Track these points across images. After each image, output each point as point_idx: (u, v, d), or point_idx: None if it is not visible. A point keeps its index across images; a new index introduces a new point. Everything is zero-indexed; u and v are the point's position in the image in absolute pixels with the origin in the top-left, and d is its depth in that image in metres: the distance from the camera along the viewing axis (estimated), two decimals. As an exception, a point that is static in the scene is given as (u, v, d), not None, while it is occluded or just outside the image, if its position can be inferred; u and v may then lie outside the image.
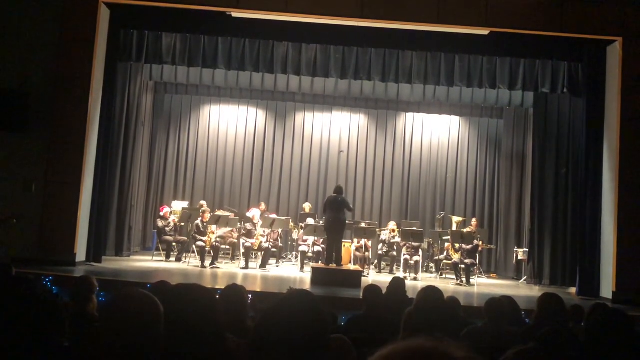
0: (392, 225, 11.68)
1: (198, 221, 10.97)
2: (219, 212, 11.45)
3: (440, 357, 0.85)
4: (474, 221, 12.29)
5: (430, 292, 3.47)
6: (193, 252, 11.05)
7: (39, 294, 2.18)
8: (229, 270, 10.43)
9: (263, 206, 12.26)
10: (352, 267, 10.38)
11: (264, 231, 11.03)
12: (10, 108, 8.83)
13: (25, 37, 9.20)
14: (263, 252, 10.79)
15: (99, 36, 9.40)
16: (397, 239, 11.37)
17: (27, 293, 2.14)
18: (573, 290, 10.01)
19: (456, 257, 10.74)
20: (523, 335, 3.55)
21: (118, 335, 1.41)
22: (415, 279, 10.67)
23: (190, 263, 10.79)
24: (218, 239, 10.85)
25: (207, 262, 10.46)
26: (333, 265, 9.57)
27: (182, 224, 11.50)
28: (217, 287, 6.88)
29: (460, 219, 12.48)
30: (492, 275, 12.59)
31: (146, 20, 9.97)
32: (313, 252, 11.11)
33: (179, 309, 1.72)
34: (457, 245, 10.78)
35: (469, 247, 10.68)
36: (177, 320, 1.67)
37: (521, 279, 11.67)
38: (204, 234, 10.84)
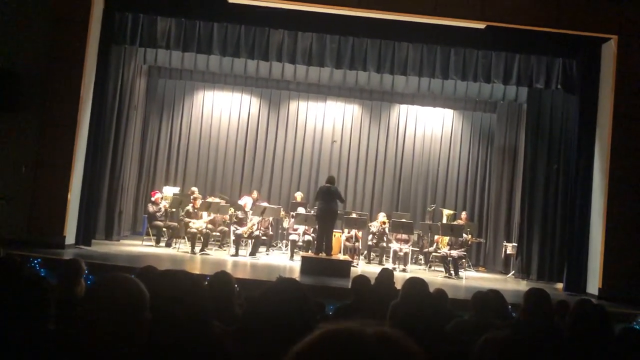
0: (382, 217, 11.71)
1: (189, 207, 10.95)
2: (210, 199, 11.43)
3: (350, 336, 0.84)
4: (463, 214, 12.36)
5: (414, 284, 3.49)
6: (183, 237, 11.03)
7: (25, 275, 2.17)
8: (219, 257, 10.43)
9: (255, 194, 12.26)
10: (341, 257, 10.42)
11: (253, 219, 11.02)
12: (0, 88, 8.73)
13: (17, 17, 9.08)
14: (253, 240, 10.80)
15: (93, 18, 9.30)
16: (387, 231, 11.40)
17: (13, 275, 2.13)
18: (560, 285, 10.10)
19: (445, 249, 10.79)
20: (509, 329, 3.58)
21: (100, 319, 1.41)
22: (404, 270, 10.73)
23: (180, 249, 10.78)
24: (209, 227, 10.81)
25: (197, 249, 10.46)
26: (323, 255, 9.60)
27: (173, 209, 11.48)
28: (206, 273, 6.87)
29: (451, 212, 12.54)
30: (480, 268, 12.68)
31: (141, 3, 9.87)
32: (303, 241, 11.12)
33: (165, 295, 1.72)
34: (447, 238, 10.84)
35: (460, 240, 10.75)
36: (162, 306, 1.67)
37: (509, 273, 11.75)
38: (195, 216, 10.80)
